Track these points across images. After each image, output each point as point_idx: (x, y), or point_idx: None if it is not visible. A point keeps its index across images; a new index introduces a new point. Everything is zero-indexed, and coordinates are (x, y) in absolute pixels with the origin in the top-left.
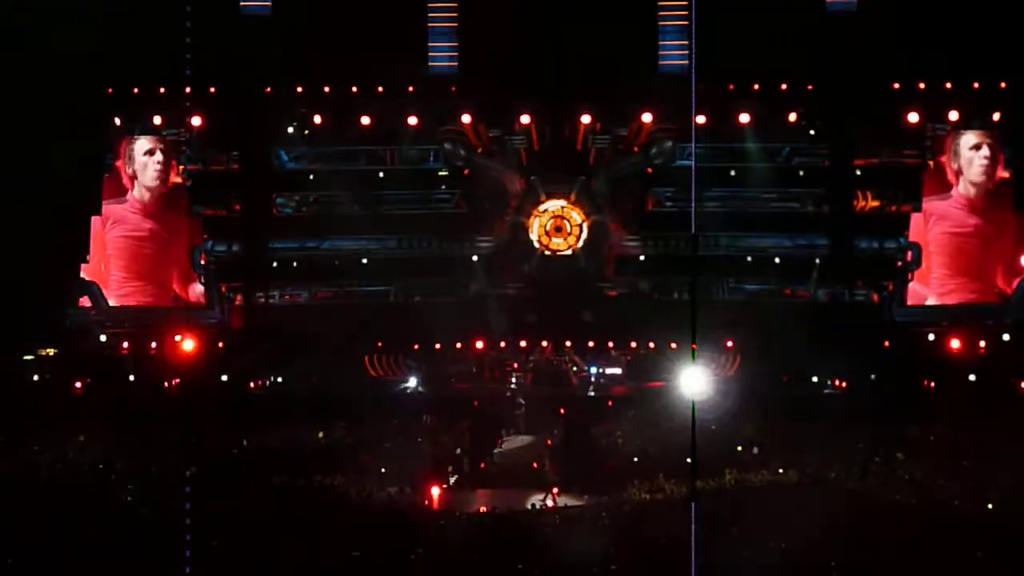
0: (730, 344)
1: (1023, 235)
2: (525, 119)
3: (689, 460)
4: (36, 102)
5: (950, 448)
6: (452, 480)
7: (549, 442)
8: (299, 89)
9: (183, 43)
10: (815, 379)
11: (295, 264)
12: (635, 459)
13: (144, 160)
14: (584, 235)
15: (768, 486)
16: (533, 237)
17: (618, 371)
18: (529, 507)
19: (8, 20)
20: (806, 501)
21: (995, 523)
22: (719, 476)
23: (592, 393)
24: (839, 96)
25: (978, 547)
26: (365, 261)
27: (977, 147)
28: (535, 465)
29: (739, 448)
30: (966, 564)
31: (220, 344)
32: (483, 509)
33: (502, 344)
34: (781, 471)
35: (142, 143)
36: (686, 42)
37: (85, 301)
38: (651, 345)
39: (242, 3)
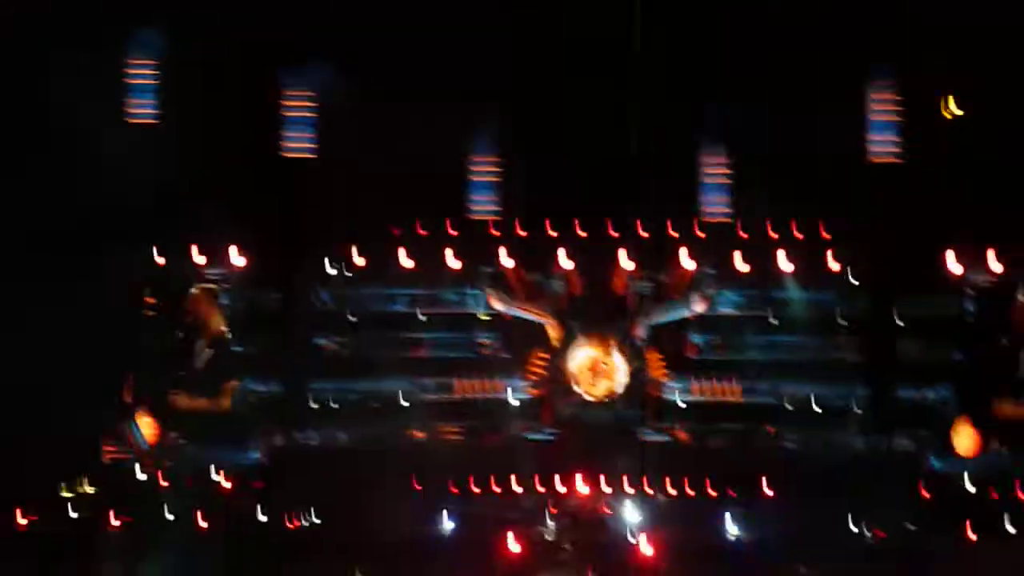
0: (770, 492)
1: None
2: (565, 264)
3: None
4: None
5: None
6: None
7: None
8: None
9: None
10: (854, 528)
11: (333, 405)
12: None
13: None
14: (623, 380)
15: None
16: (572, 382)
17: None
18: None
19: None
20: None
21: None
22: None
23: (633, 541)
24: (880, 244)
25: None
26: (405, 403)
27: None
28: None
29: None
30: None
31: (258, 483)
32: None
33: (540, 489)
34: None
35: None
36: (729, 191)
37: (122, 438)
38: (690, 492)
39: None
